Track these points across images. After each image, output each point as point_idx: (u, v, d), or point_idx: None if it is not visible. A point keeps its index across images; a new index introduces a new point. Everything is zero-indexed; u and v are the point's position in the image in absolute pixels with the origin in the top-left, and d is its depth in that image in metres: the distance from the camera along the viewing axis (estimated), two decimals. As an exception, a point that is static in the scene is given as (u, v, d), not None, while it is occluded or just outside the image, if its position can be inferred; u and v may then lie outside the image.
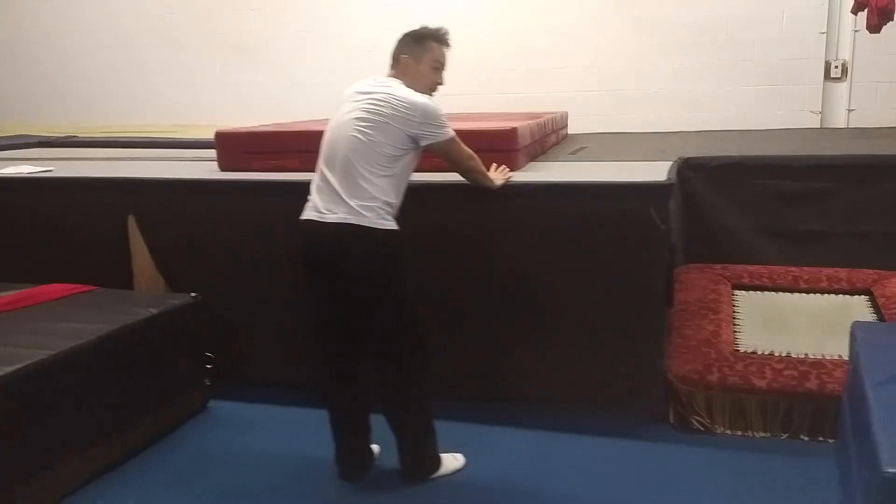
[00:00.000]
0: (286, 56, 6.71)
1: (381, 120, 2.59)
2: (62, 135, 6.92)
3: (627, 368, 3.13)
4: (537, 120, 4.13)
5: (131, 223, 3.67)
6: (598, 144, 4.86)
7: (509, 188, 3.11)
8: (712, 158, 3.95)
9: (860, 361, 2.43)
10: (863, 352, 2.50)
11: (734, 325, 3.50)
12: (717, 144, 4.61)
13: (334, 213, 2.56)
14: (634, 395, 3.16)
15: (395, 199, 2.64)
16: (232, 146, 3.87)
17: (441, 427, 3.18)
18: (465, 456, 2.91)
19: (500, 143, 3.51)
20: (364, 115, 2.61)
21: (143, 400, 3.02)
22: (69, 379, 2.67)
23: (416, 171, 2.78)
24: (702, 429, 3.10)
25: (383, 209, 2.58)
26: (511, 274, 3.19)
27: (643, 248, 3.03)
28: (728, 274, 3.90)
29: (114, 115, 7.30)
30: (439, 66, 2.80)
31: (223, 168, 3.87)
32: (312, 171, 2.73)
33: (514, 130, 3.53)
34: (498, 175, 3.12)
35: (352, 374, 2.75)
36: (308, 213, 2.64)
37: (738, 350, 3.27)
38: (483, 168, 2.97)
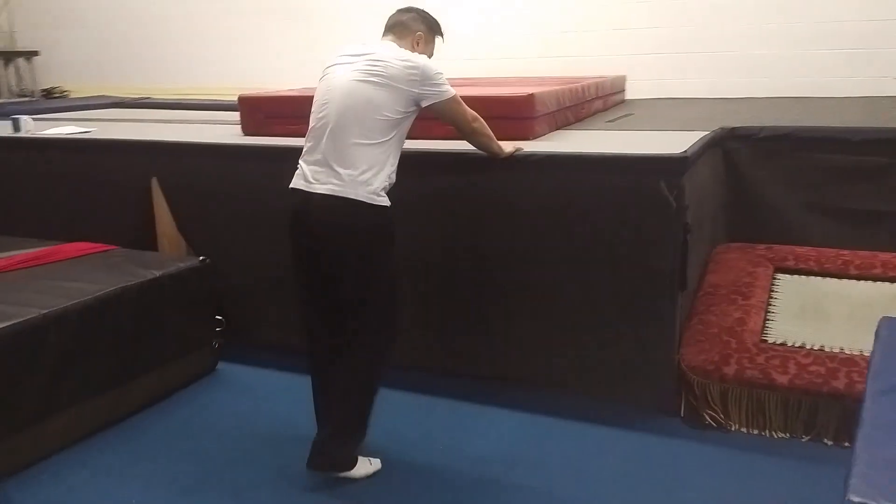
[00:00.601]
0: (355, 20, 6.55)
1: (381, 81, 2.48)
2: (137, 96, 7.18)
3: (633, 354, 2.93)
4: (568, 86, 3.90)
5: (154, 185, 3.71)
6: (649, 111, 4.57)
7: (515, 158, 2.94)
8: (761, 129, 3.62)
9: (872, 364, 2.16)
10: (879, 353, 2.22)
11: (768, 312, 3.22)
12: (784, 113, 4.23)
13: (323, 184, 2.46)
14: (640, 384, 2.95)
15: (389, 170, 2.52)
16: (254, 110, 3.84)
17: (439, 404, 3.13)
18: (458, 435, 2.81)
19: (514, 111, 3.35)
20: (363, 76, 2.49)
21: (144, 359, 3.06)
22: (61, 337, 2.72)
23: (427, 138, 2.71)
24: (714, 424, 2.86)
25: (375, 181, 2.46)
26: (514, 248, 3.03)
27: (652, 226, 2.80)
28: (772, 255, 3.60)
29: (196, 77, 7.44)
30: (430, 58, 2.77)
31: (246, 132, 3.85)
32: None
33: (530, 97, 3.34)
34: (508, 143, 2.95)
35: (334, 346, 2.67)
36: (296, 182, 2.54)
37: (764, 341, 3.00)
38: (489, 131, 2.82)
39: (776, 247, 3.62)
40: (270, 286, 3.54)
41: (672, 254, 2.82)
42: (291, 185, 2.57)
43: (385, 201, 2.50)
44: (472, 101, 3.43)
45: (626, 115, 4.31)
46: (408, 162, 2.63)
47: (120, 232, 3.72)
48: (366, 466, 2.62)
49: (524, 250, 3.03)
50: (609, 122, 4.21)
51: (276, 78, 6.57)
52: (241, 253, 3.57)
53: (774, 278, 3.47)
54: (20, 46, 8.51)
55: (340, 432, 2.57)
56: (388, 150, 2.52)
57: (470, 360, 3.22)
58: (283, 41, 7.02)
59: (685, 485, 2.54)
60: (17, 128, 4.21)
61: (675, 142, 3.07)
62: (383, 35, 2.71)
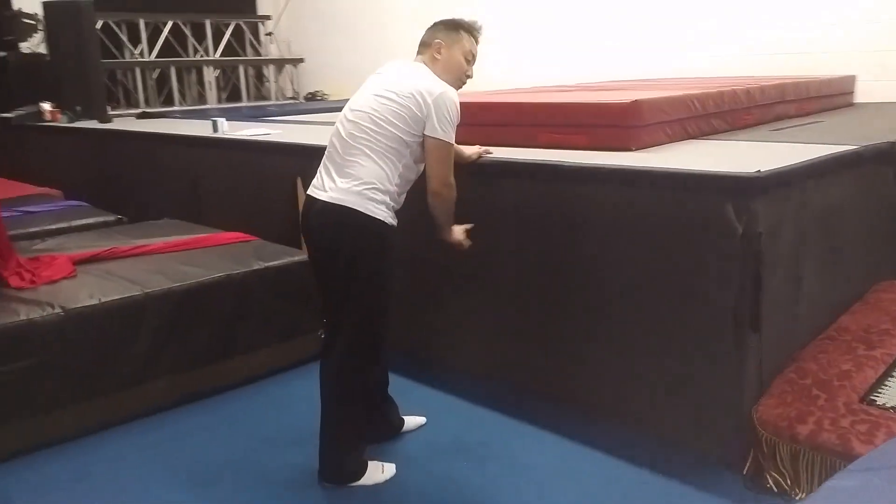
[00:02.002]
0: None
1: (397, 101, 2.48)
2: (312, 92, 7.82)
3: (699, 397, 2.60)
4: (707, 90, 3.53)
5: (298, 185, 4.07)
6: (856, 118, 3.97)
7: (581, 170, 2.76)
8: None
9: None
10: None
11: (894, 368, 2.64)
12: None
13: (324, 192, 2.53)
14: (706, 432, 2.61)
15: (392, 188, 2.49)
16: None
17: (478, 414, 3.06)
18: (477, 456, 2.73)
19: (615, 119, 3.12)
20: (383, 92, 2.53)
21: (242, 341, 3.38)
22: (160, 314, 3.13)
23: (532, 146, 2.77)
24: (775, 489, 2.44)
25: (374, 195, 2.46)
26: (583, 266, 2.84)
27: (716, 255, 2.46)
28: (937, 300, 2.94)
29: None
30: (471, 58, 2.69)
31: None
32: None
33: (634, 104, 3.09)
34: (459, 229, 2.73)
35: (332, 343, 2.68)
36: (310, 188, 2.64)
37: (871, 401, 2.48)
38: (451, 207, 2.62)
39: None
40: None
41: (739, 289, 2.44)
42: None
43: (382, 215, 2.47)
44: (566, 109, 3.32)
45: (812, 123, 3.79)
46: (483, 170, 2.65)
47: (274, 225, 4.13)
48: (377, 473, 2.63)
49: (593, 269, 2.83)
50: (774, 130, 3.72)
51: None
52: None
53: (929, 328, 2.83)
54: (290, 54, 9.67)
55: (331, 445, 2.60)
56: (394, 170, 2.49)
57: (540, 379, 3.09)
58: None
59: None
60: (215, 129, 4.84)
61: (787, 156, 2.65)
62: (416, 55, 2.71)
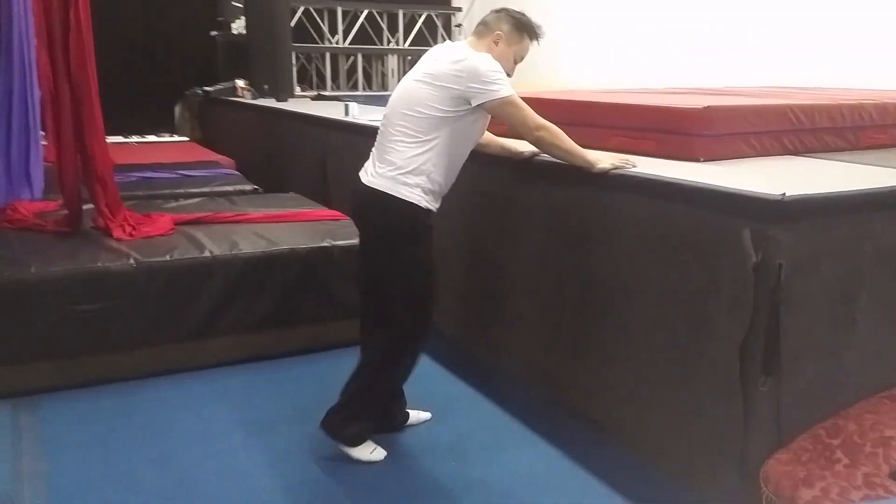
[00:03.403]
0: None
1: (428, 79, 2.53)
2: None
3: (699, 433, 2.34)
4: (802, 101, 3.11)
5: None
6: None
7: (611, 175, 2.58)
8: None
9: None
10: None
11: (958, 444, 2.20)
12: None
13: (366, 177, 2.62)
14: (702, 471, 2.35)
15: (428, 170, 2.52)
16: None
17: (490, 416, 3.01)
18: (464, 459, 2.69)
19: (679, 125, 2.87)
20: (417, 75, 2.58)
21: (300, 313, 3.55)
22: (225, 277, 3.38)
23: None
24: (766, 557, 2.14)
25: (406, 179, 2.51)
26: (615, 279, 2.64)
27: (729, 285, 2.19)
28: None
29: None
30: (520, 60, 2.71)
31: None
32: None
33: (702, 111, 2.81)
34: (607, 157, 2.61)
35: (364, 324, 2.79)
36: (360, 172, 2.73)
37: (904, 476, 2.09)
38: (562, 141, 2.57)
39: None
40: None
41: (752, 325, 2.16)
42: None
43: (415, 198, 2.51)
44: (627, 110, 3.12)
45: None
46: (524, 169, 2.66)
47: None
48: (366, 452, 2.68)
49: (623, 284, 2.62)
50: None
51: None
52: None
53: None
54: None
55: (345, 407, 2.67)
56: (431, 150, 2.51)
57: (561, 389, 2.94)
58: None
59: None
60: (346, 112, 5.07)
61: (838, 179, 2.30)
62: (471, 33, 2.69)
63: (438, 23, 9.82)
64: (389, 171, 2.53)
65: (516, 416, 2.98)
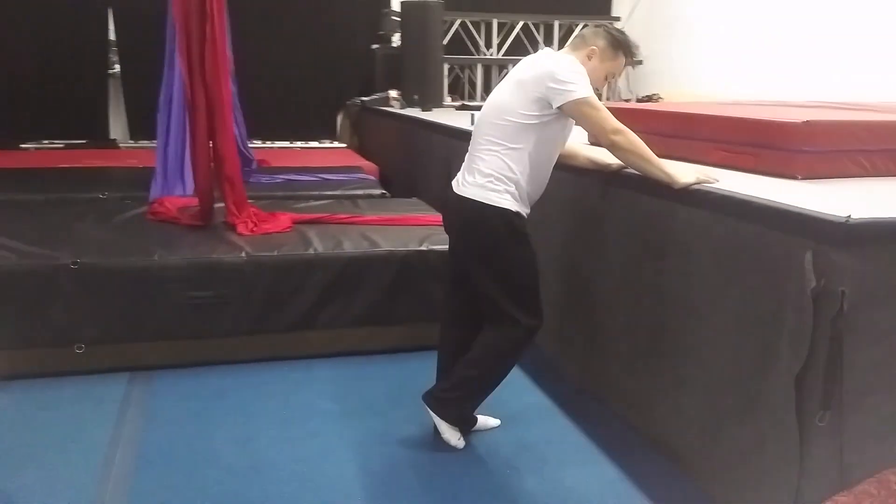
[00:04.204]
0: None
1: (514, 85, 2.59)
2: (648, 95, 7.61)
3: (757, 467, 2.19)
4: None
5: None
6: None
7: (691, 191, 2.47)
8: None
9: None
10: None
11: None
12: None
13: (459, 186, 2.70)
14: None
15: (516, 177, 2.57)
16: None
17: (559, 428, 2.99)
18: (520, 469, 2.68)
19: (777, 140, 2.69)
20: (505, 83, 2.65)
21: (395, 313, 3.66)
22: (325, 274, 3.56)
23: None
24: None
25: (496, 186, 2.57)
26: (691, 299, 2.53)
27: (790, 311, 2.03)
28: None
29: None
30: (611, 77, 2.78)
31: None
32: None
33: (802, 125, 2.60)
34: (690, 170, 2.51)
35: (460, 335, 2.84)
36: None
37: None
38: (640, 149, 2.50)
39: None
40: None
41: (810, 355, 1.99)
42: None
43: (506, 204, 2.56)
44: (715, 122, 2.98)
45: None
46: (610, 181, 2.67)
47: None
48: (455, 436, 2.80)
49: (696, 305, 2.50)
50: None
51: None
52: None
53: None
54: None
55: (456, 388, 2.76)
56: (519, 157, 2.56)
57: (639, 411, 2.84)
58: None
59: None
60: (472, 121, 5.13)
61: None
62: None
63: (596, 33, 9.69)
64: (479, 179, 2.60)
65: (585, 433, 2.93)
